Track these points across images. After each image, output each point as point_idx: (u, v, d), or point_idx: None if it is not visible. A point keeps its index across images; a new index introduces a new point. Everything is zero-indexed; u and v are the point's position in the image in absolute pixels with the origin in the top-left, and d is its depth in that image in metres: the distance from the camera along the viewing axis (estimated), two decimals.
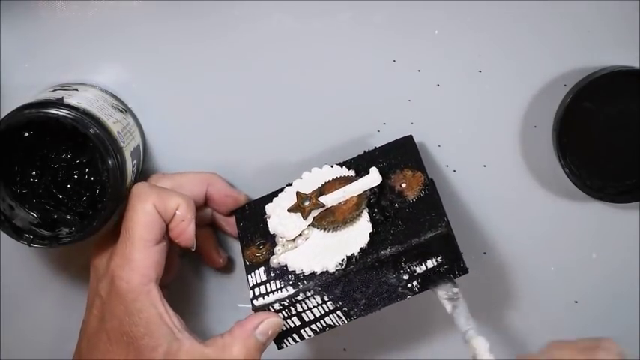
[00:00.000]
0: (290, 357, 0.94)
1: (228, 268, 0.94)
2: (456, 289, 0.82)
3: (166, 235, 0.85)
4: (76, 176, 0.86)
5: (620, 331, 0.93)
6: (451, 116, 0.90)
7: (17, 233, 0.84)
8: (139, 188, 0.85)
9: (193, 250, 0.86)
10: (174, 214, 0.84)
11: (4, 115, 0.83)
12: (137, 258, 0.83)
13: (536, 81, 0.89)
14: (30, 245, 0.84)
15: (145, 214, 0.83)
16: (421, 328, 0.95)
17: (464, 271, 0.83)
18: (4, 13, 0.88)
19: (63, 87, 0.88)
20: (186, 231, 0.85)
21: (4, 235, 0.85)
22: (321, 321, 0.84)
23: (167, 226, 0.85)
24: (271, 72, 0.90)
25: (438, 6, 0.88)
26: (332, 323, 0.84)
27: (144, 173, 0.91)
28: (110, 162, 0.83)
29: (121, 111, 0.89)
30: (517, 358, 0.78)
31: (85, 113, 0.83)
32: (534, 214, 0.92)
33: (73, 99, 0.85)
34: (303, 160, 0.90)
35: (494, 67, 0.89)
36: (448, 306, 0.83)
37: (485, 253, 0.93)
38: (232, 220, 0.91)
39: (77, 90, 0.87)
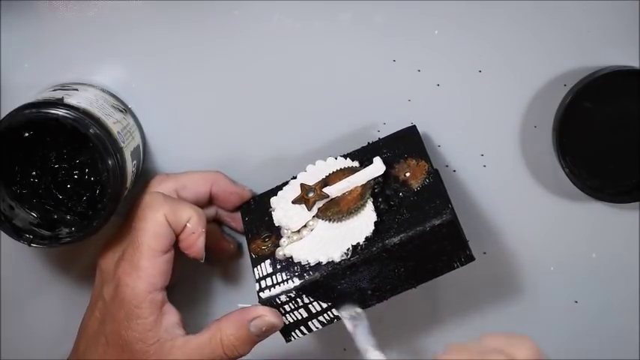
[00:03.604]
0: (290, 356, 0.94)
1: (234, 264, 0.94)
2: (359, 310, 0.83)
3: (175, 245, 0.85)
4: (76, 176, 0.86)
5: (620, 331, 0.94)
6: (451, 116, 0.90)
7: (17, 233, 0.84)
8: (152, 197, 0.85)
9: (202, 261, 0.86)
10: (185, 225, 0.84)
11: (4, 115, 0.83)
12: (145, 267, 0.83)
13: (536, 81, 0.89)
14: (30, 245, 0.84)
15: (155, 223, 0.83)
16: (422, 328, 0.95)
17: (470, 258, 0.82)
18: (4, 13, 0.88)
19: (63, 87, 0.88)
20: (196, 243, 0.85)
21: (4, 235, 0.85)
22: (329, 312, 0.84)
23: (177, 237, 0.85)
24: (271, 72, 0.90)
25: (438, 6, 0.88)
26: (339, 315, 0.84)
27: (144, 173, 0.91)
28: (110, 162, 0.83)
29: (121, 111, 0.89)
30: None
31: (85, 113, 0.83)
32: (534, 214, 0.92)
33: (73, 99, 0.85)
34: (303, 158, 0.90)
35: (494, 67, 0.89)
36: (349, 325, 0.83)
37: (485, 253, 0.93)
38: (238, 215, 0.91)
39: (77, 90, 0.87)
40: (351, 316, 0.83)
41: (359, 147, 0.89)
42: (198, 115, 0.91)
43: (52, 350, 0.96)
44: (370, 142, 0.89)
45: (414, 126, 0.89)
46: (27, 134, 0.84)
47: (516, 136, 0.90)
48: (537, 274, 0.93)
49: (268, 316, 0.83)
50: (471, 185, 0.92)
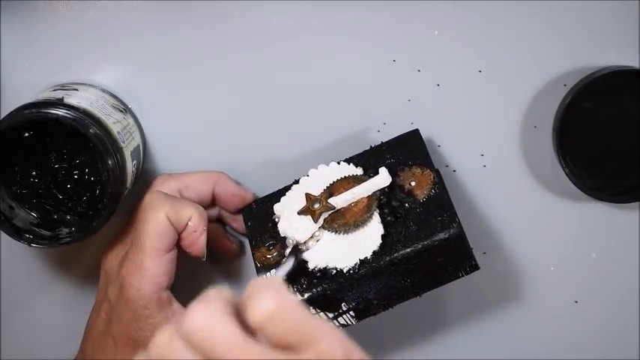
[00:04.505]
0: None
1: (236, 264, 0.94)
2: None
3: (176, 244, 0.85)
4: (76, 176, 0.86)
5: (620, 331, 0.94)
6: (451, 116, 0.90)
7: (17, 233, 0.84)
8: (153, 197, 0.85)
9: (204, 260, 0.86)
10: (187, 224, 0.84)
11: (4, 115, 0.83)
12: (148, 266, 0.83)
13: (536, 81, 0.89)
14: (30, 245, 0.84)
15: (157, 223, 0.83)
16: (422, 328, 0.95)
17: (475, 268, 0.83)
18: (4, 13, 0.88)
19: (63, 87, 0.88)
20: (197, 242, 0.85)
21: (4, 235, 0.85)
22: (334, 322, 0.84)
23: (179, 235, 0.85)
24: (271, 72, 0.90)
25: (438, 6, 0.88)
26: (345, 323, 0.84)
27: (144, 173, 0.91)
28: (110, 162, 0.83)
29: (121, 111, 0.89)
30: None
31: (85, 113, 0.83)
32: (534, 214, 0.92)
33: (73, 99, 0.85)
34: (304, 159, 0.90)
35: (494, 67, 0.89)
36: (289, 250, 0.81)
37: (485, 253, 0.92)
38: (240, 217, 0.90)
39: (77, 90, 0.87)
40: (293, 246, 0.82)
41: (360, 149, 0.89)
42: (198, 115, 0.91)
43: (53, 350, 0.96)
44: (372, 145, 0.89)
45: (417, 130, 0.88)
46: (27, 134, 0.84)
47: (516, 136, 0.90)
48: (537, 274, 0.93)
49: None
50: (471, 185, 0.92)
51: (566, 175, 0.88)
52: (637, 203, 0.90)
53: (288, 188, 0.88)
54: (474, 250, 0.83)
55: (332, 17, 0.89)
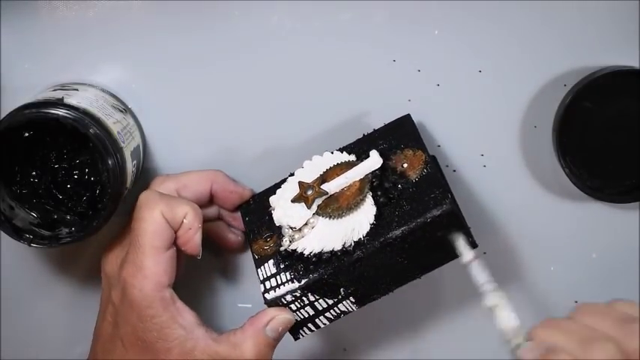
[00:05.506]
0: (290, 357, 0.94)
1: (236, 260, 0.94)
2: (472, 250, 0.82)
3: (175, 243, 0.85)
4: (76, 176, 0.86)
5: None
6: (451, 116, 0.90)
7: (17, 233, 0.84)
8: (147, 196, 0.85)
9: (199, 258, 0.86)
10: (182, 222, 0.84)
11: (4, 115, 0.83)
12: (148, 266, 0.83)
13: (536, 81, 0.89)
14: (30, 245, 0.85)
15: (152, 222, 0.83)
16: (421, 328, 0.95)
17: (473, 245, 0.82)
18: (4, 13, 0.88)
19: (63, 87, 0.88)
20: (192, 239, 0.85)
21: (4, 235, 0.85)
22: (335, 308, 0.84)
23: (175, 233, 0.85)
24: (271, 73, 0.90)
25: (437, 6, 0.88)
26: (345, 310, 0.84)
27: (144, 173, 0.91)
28: (110, 162, 0.83)
29: (121, 111, 0.89)
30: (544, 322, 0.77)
31: (85, 113, 0.83)
32: (534, 214, 0.92)
33: (73, 99, 0.85)
34: (304, 158, 0.90)
35: (494, 67, 0.89)
36: (468, 255, 0.81)
37: (485, 253, 0.93)
38: (239, 215, 0.91)
39: (77, 90, 0.87)
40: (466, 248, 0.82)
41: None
42: (197, 114, 0.91)
43: (53, 350, 0.96)
44: (365, 133, 0.89)
45: (409, 115, 0.88)
46: (27, 134, 0.84)
47: (516, 136, 0.91)
48: (537, 274, 0.93)
49: (280, 315, 0.83)
50: (471, 185, 0.92)
51: (566, 175, 0.88)
52: (637, 203, 0.91)
53: (284, 181, 0.88)
54: (474, 251, 0.83)
55: (332, 17, 0.89)
